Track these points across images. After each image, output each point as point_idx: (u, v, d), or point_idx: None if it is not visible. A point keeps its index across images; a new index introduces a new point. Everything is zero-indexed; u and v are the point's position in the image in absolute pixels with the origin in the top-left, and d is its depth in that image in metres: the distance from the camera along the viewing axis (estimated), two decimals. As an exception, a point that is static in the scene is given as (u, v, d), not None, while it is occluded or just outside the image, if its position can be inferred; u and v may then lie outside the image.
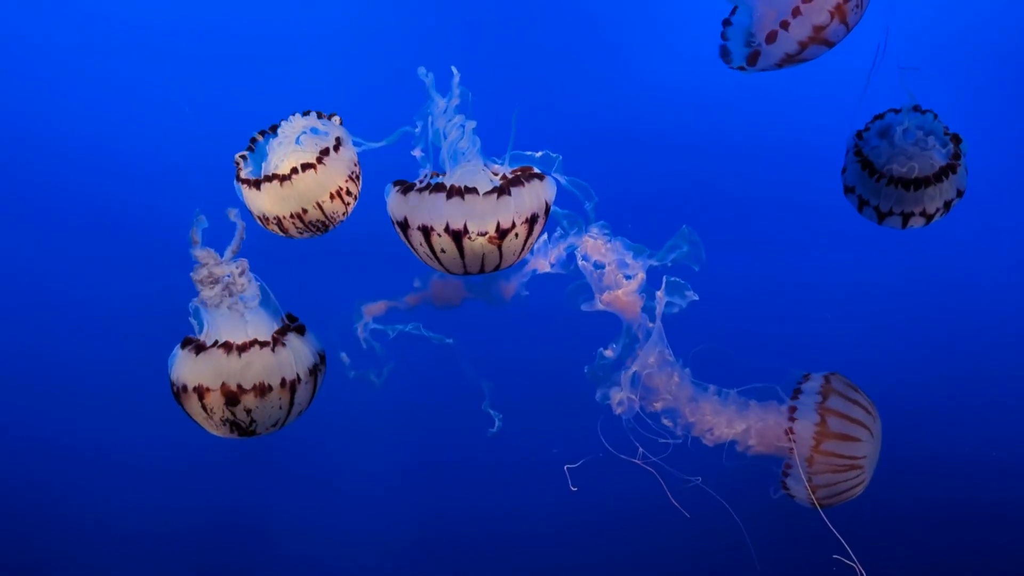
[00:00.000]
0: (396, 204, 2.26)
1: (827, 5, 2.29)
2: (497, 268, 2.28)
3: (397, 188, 2.27)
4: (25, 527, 4.58)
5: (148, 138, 4.38)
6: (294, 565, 4.69)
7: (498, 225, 2.14)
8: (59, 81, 4.45)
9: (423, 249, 2.25)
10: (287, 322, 2.38)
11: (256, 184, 2.36)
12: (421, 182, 2.32)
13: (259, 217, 2.45)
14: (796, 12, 2.32)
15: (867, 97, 2.73)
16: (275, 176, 2.33)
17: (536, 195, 2.20)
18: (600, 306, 2.46)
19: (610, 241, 2.50)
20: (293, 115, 2.45)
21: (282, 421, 2.28)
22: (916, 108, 2.80)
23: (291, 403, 2.25)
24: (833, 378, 2.43)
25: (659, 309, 2.41)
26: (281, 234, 2.48)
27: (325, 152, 2.36)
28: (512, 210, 2.14)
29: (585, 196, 2.51)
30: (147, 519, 4.55)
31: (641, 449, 2.41)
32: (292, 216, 2.37)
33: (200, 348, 2.24)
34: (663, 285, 2.42)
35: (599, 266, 2.50)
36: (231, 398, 2.17)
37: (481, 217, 2.13)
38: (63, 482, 4.56)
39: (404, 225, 2.24)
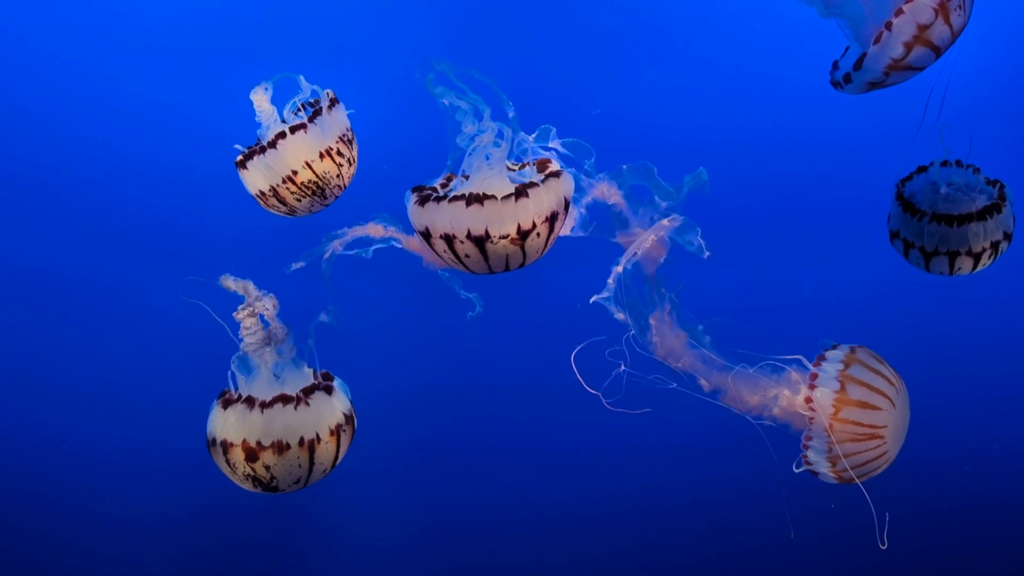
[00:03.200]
0: (415, 215, 2.27)
1: (931, 2, 2.26)
2: (522, 266, 2.30)
3: (415, 198, 2.27)
4: (33, 523, 4.57)
5: (152, 137, 4.37)
6: (304, 555, 4.66)
7: (519, 227, 2.16)
8: (59, 81, 4.43)
9: (447, 256, 2.26)
10: (318, 379, 2.40)
11: (243, 163, 2.40)
12: (442, 187, 2.32)
13: (258, 195, 2.46)
14: (899, 12, 2.29)
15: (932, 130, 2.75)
16: (261, 148, 2.37)
17: (554, 193, 2.22)
18: (635, 233, 2.48)
19: (620, 186, 2.52)
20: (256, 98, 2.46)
21: (304, 479, 2.30)
22: (958, 163, 2.86)
23: (311, 462, 2.27)
24: (859, 349, 2.43)
25: (657, 232, 2.43)
26: (286, 211, 2.49)
27: (317, 114, 2.39)
28: (532, 212, 2.16)
29: (584, 156, 2.49)
30: (152, 510, 4.55)
31: (624, 369, 2.40)
32: (285, 181, 2.38)
33: (228, 402, 2.29)
34: (671, 219, 2.44)
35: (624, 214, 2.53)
36: (251, 454, 2.21)
37: (501, 221, 2.15)
38: (68, 478, 4.54)
39: (426, 234, 2.25)
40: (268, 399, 2.25)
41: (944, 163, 2.88)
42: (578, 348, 2.37)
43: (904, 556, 4.18)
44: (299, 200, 2.45)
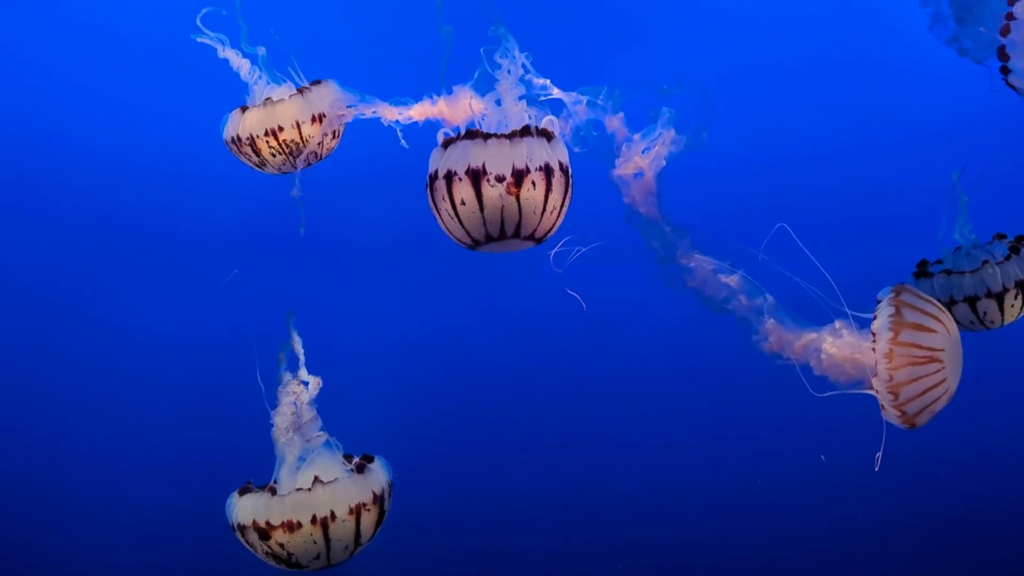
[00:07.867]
0: (435, 157, 2.32)
1: None
2: (518, 228, 2.28)
3: (441, 144, 2.34)
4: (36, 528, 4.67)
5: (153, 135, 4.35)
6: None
7: (513, 167, 2.19)
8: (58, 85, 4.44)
9: (445, 205, 2.28)
10: (352, 461, 2.40)
11: (243, 108, 2.52)
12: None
13: (233, 139, 2.55)
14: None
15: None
16: (267, 100, 2.51)
17: (545, 150, 2.26)
18: (636, 165, 2.42)
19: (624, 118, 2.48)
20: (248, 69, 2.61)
21: (325, 556, 2.27)
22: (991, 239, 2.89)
23: (327, 539, 2.23)
24: (906, 286, 2.36)
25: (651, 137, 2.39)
26: (256, 162, 2.56)
27: (316, 82, 2.52)
28: (524, 154, 2.21)
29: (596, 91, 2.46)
30: (148, 517, 4.59)
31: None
32: (268, 134, 2.46)
33: (246, 491, 2.31)
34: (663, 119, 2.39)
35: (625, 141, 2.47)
36: (263, 533, 2.22)
37: (497, 157, 2.20)
38: (71, 483, 4.70)
39: (433, 177, 2.30)
40: (284, 488, 2.27)
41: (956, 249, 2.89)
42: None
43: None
44: (273, 156, 2.52)
